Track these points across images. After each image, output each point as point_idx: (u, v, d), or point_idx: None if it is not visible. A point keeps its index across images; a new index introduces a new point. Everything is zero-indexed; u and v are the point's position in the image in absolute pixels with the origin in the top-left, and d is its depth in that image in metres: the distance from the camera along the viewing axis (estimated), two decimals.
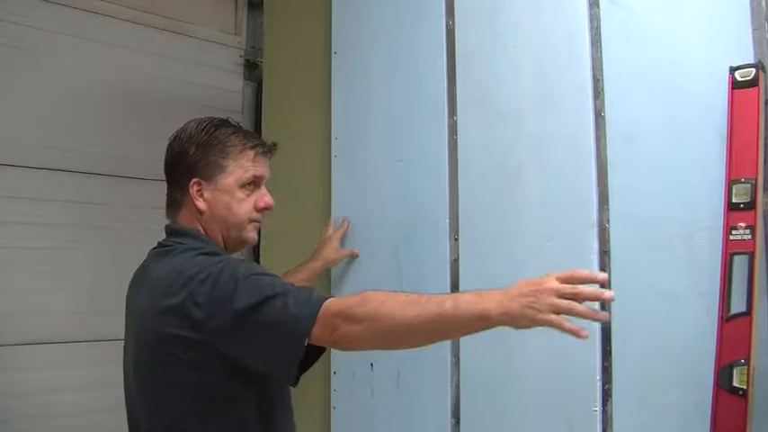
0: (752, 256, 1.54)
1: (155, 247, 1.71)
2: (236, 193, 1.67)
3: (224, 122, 1.72)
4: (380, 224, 2.23)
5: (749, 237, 1.55)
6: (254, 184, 1.70)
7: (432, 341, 1.52)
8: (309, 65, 2.60)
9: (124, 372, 1.69)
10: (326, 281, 2.37)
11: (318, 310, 1.41)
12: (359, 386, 2.23)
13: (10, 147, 2.71)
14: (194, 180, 1.65)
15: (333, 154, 2.41)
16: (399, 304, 1.40)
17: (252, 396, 1.56)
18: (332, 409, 2.29)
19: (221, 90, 3.40)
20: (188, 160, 1.66)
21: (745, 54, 1.63)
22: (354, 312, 1.41)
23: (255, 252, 2.93)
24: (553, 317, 1.30)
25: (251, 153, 1.69)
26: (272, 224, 2.76)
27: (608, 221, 1.74)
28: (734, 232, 1.57)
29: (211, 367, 1.49)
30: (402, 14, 2.23)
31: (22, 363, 2.68)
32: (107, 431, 2.48)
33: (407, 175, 2.16)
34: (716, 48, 1.67)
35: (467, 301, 1.36)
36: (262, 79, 3.18)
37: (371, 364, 2.19)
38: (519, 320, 1.33)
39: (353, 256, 2.30)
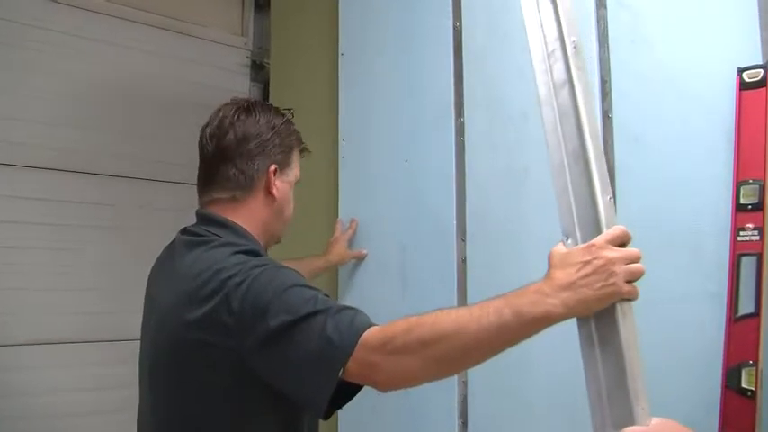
0: (760, 257, 1.54)
1: (183, 232, 1.57)
2: (293, 189, 1.63)
3: (285, 113, 1.65)
4: (388, 225, 2.23)
5: (757, 238, 1.55)
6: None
7: (493, 355, 1.23)
8: (316, 66, 2.60)
9: (140, 366, 1.57)
10: (334, 281, 2.37)
11: (357, 342, 1.22)
12: (365, 387, 2.23)
13: (20, 147, 2.72)
14: (274, 166, 1.56)
15: (340, 155, 2.42)
16: (453, 323, 1.20)
17: (275, 415, 1.42)
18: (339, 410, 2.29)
19: (228, 91, 3.39)
20: (266, 144, 1.55)
21: (752, 55, 1.63)
22: (400, 342, 1.21)
23: None
24: (632, 287, 1.15)
25: (299, 153, 1.66)
26: None
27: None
28: (742, 233, 1.57)
29: (237, 377, 1.35)
30: (409, 16, 2.24)
31: (29, 362, 2.70)
32: None
33: (415, 176, 2.17)
34: (724, 49, 1.66)
35: (523, 304, 1.17)
36: (268, 80, 3.18)
37: None
38: (595, 306, 1.15)
39: (360, 258, 2.30)
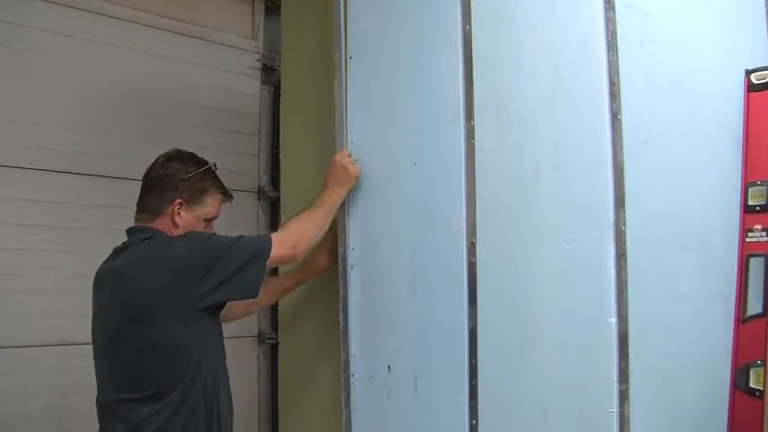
0: (767, 257, 1.55)
1: (120, 247, 2.10)
2: (200, 222, 2.14)
3: (210, 165, 2.19)
4: (397, 226, 2.24)
5: (765, 239, 1.56)
6: (211, 220, 2.18)
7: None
8: (326, 69, 2.61)
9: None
10: (342, 282, 2.37)
11: (270, 242, 2.09)
12: (376, 388, 2.25)
13: (31, 151, 2.75)
14: (179, 200, 2.09)
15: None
16: (307, 222, 2.20)
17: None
18: (352, 411, 2.30)
19: (239, 94, 3.44)
20: (177, 182, 2.09)
21: (760, 57, 1.64)
22: (290, 241, 2.15)
23: None
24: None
25: (219, 197, 2.19)
26: None
27: (624, 224, 1.74)
28: (750, 234, 1.58)
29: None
30: (418, 19, 2.25)
31: (39, 364, 2.72)
32: None
33: (424, 177, 2.17)
34: (731, 51, 1.67)
35: (325, 202, 2.25)
36: (279, 83, 3.19)
37: (389, 367, 2.21)
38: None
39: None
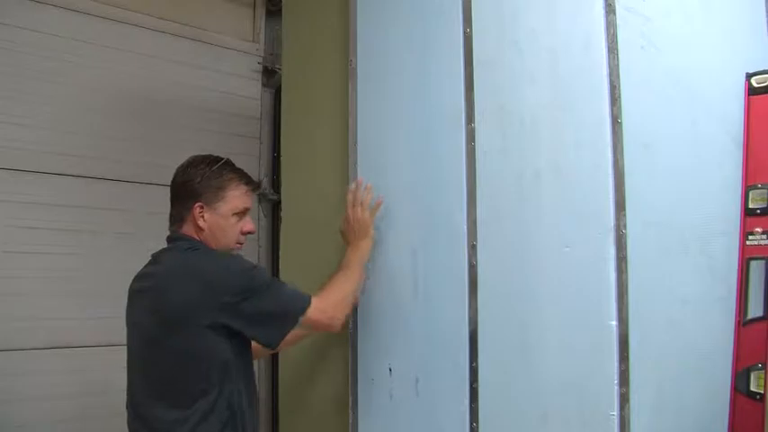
0: None
1: (160, 251, 2.09)
2: (229, 219, 2.08)
3: (225, 160, 2.12)
4: (399, 229, 2.24)
5: (766, 242, 1.56)
6: (243, 213, 2.11)
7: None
8: (328, 71, 2.62)
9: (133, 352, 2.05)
10: None
11: (310, 302, 1.99)
12: (378, 391, 2.25)
13: (33, 154, 2.75)
14: (198, 204, 2.04)
15: (351, 160, 2.43)
16: (343, 287, 2.12)
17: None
18: (356, 413, 2.31)
19: (240, 97, 3.45)
20: (194, 186, 2.05)
21: (761, 60, 1.64)
22: (329, 305, 2.05)
23: (275, 261, 2.96)
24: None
25: (244, 188, 2.11)
26: (291, 228, 2.79)
27: (625, 227, 1.75)
28: (750, 237, 1.58)
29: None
30: (420, 21, 2.25)
31: (35, 367, 2.72)
32: None
33: (426, 180, 2.18)
34: (732, 54, 1.68)
35: (352, 262, 2.17)
36: (280, 86, 3.20)
37: (390, 369, 2.21)
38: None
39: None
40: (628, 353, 1.72)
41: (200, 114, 3.26)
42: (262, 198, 3.63)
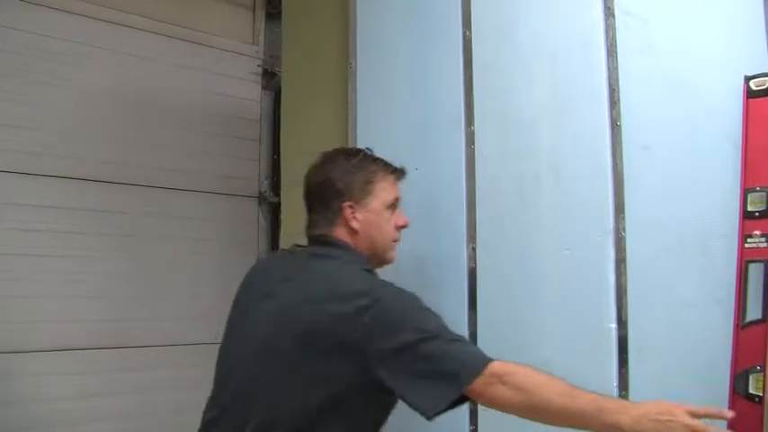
0: (767, 263, 1.55)
1: (304, 248, 1.85)
2: (383, 214, 1.83)
3: (363, 151, 1.89)
4: (399, 232, 2.24)
5: (765, 245, 1.56)
6: (394, 205, 1.86)
7: (567, 425, 1.49)
8: (327, 74, 2.62)
9: (228, 354, 1.78)
10: None
11: (486, 366, 1.50)
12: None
13: (35, 157, 2.75)
14: (347, 203, 1.78)
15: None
16: (557, 392, 1.46)
17: (372, 413, 1.71)
18: None
19: (240, 99, 3.45)
20: (335, 185, 1.79)
21: (760, 63, 1.64)
22: (516, 380, 1.48)
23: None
24: None
25: (391, 177, 1.86)
26: (291, 232, 2.79)
27: (624, 230, 1.75)
28: (749, 240, 1.58)
29: (353, 376, 1.59)
30: (420, 25, 2.25)
31: (45, 369, 2.72)
32: None
33: (425, 183, 2.18)
34: (731, 57, 1.68)
35: (608, 409, 1.41)
36: (280, 88, 3.20)
37: None
38: None
39: None
40: (627, 355, 1.73)
41: (201, 117, 3.26)
42: (261, 201, 3.62)
